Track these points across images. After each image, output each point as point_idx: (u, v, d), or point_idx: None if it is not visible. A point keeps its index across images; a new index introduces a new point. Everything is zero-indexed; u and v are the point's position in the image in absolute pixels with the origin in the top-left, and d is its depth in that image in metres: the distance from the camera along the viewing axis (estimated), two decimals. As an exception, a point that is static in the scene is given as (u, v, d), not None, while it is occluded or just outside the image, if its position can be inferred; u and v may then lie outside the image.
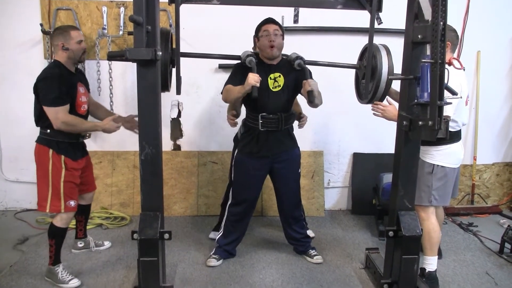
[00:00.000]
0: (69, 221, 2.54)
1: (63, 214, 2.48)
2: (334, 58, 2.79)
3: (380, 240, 3.20)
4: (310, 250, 2.94)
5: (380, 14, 2.40)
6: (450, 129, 2.28)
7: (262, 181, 2.87)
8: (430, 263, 2.57)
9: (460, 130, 2.56)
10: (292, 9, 3.43)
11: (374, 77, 2.39)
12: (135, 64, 1.93)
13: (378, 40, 2.44)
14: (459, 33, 2.93)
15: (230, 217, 2.84)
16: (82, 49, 2.52)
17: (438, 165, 2.48)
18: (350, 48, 2.86)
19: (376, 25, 2.34)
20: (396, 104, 2.40)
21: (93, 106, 2.77)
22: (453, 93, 1.94)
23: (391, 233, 2.21)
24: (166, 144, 3.69)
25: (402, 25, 2.15)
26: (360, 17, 2.72)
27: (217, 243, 2.89)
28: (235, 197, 2.83)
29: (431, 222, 2.53)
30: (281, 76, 2.65)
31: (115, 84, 3.57)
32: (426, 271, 2.57)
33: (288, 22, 3.43)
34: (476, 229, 3.49)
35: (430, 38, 1.80)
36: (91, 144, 3.08)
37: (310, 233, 3.15)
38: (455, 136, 2.48)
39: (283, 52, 2.72)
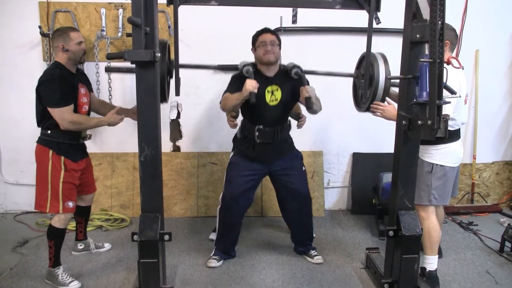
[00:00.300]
0: (67, 221, 2.54)
1: (61, 214, 2.49)
2: (333, 58, 2.79)
3: (380, 240, 3.20)
4: (310, 251, 2.94)
5: (378, 13, 2.40)
6: (449, 128, 2.28)
7: (254, 184, 2.80)
8: (431, 262, 2.57)
9: (459, 129, 2.56)
10: (291, 9, 3.43)
11: (372, 84, 2.36)
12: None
13: (376, 39, 2.44)
14: (458, 32, 2.93)
15: (222, 219, 2.83)
16: (82, 50, 2.52)
17: (437, 164, 2.48)
18: (349, 48, 2.87)
19: (374, 25, 2.34)
20: (395, 104, 2.40)
21: (98, 104, 2.78)
22: (452, 92, 1.93)
23: (391, 233, 2.21)
24: (166, 145, 3.69)
25: (400, 25, 2.15)
26: (359, 17, 2.72)
27: (215, 245, 2.89)
28: (224, 197, 2.80)
29: (431, 221, 2.53)
30: (279, 89, 2.65)
31: (114, 85, 3.57)
32: (427, 270, 2.57)
33: (287, 23, 3.42)
34: (476, 228, 3.49)
35: (428, 38, 1.79)
36: (90, 146, 3.08)
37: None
38: (454, 135, 2.48)
39: (282, 53, 2.71)
